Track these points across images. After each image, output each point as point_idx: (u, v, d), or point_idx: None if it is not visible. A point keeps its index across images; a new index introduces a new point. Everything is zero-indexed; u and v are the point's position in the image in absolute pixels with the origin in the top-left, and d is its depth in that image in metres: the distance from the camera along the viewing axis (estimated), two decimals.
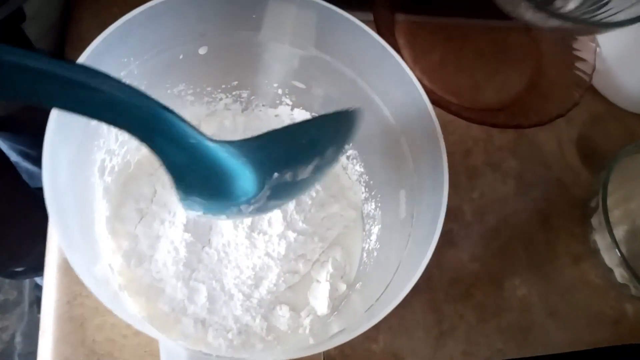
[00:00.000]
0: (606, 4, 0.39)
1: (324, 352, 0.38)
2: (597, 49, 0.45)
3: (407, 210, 0.33)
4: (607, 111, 0.51)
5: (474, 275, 0.43)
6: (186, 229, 0.35)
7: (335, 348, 0.38)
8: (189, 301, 0.34)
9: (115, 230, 0.35)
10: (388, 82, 0.33)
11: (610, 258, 0.43)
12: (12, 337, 1.01)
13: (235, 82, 0.38)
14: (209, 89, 0.38)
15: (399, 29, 0.49)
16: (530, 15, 0.36)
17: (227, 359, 0.31)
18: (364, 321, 0.27)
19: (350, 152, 0.40)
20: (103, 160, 0.33)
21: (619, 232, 0.43)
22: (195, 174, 0.23)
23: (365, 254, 0.39)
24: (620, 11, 0.38)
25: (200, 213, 0.25)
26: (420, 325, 0.40)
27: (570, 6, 0.42)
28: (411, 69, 0.49)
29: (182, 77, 0.36)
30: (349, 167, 0.41)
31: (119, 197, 0.36)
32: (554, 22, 0.36)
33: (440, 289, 0.42)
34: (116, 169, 0.35)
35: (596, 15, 0.40)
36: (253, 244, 0.36)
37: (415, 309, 0.41)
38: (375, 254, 0.37)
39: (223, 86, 0.38)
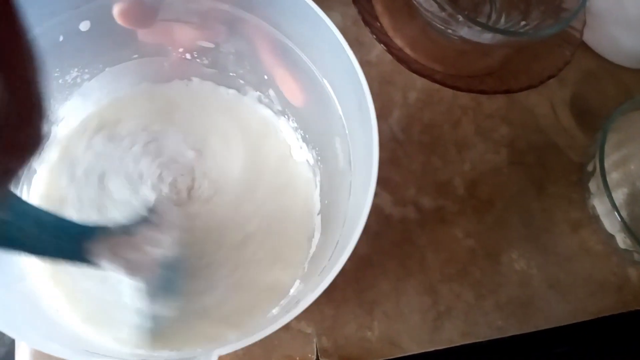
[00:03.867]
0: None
1: (316, 345, 0.36)
2: (587, 2, 0.42)
3: (344, 158, 0.31)
4: (601, 68, 0.49)
5: (469, 252, 0.41)
6: None
7: (328, 339, 0.37)
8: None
9: None
10: (294, 20, 0.30)
11: (611, 223, 0.41)
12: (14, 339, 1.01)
13: (136, 56, 0.35)
14: (108, 69, 0.35)
15: None
16: (465, 31, 0.38)
17: None
18: (316, 286, 0.24)
19: (279, 107, 0.37)
20: None
21: (619, 195, 0.41)
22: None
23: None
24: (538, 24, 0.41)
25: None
26: (416, 308, 0.39)
27: (502, 21, 0.45)
28: (391, 37, 0.47)
29: (70, 62, 0.32)
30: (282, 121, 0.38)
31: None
32: (487, 36, 0.38)
33: (434, 269, 0.40)
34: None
35: (522, 28, 0.42)
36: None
37: (410, 292, 0.39)
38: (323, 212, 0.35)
39: (124, 63, 0.35)
